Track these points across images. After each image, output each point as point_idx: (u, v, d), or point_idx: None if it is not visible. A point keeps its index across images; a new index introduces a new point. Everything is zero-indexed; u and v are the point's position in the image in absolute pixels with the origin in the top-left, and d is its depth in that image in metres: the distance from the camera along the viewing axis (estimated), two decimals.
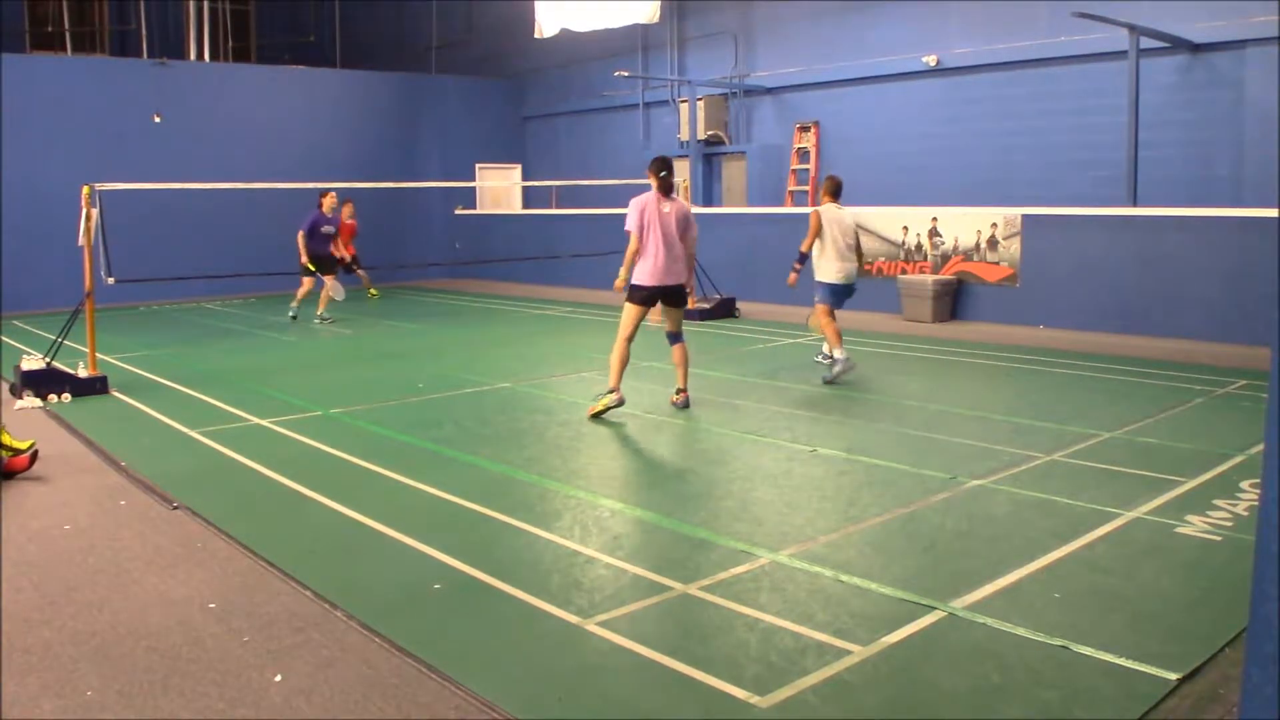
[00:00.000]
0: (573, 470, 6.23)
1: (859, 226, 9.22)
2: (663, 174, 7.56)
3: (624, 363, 7.63)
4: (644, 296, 7.63)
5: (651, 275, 7.56)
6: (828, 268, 8.87)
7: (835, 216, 8.85)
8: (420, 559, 4.63)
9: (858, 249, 9.02)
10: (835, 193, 9.00)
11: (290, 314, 14.16)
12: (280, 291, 17.50)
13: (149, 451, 6.76)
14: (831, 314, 8.89)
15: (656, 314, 8.02)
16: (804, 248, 8.95)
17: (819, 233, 8.80)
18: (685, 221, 7.65)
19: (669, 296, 7.69)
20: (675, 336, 7.83)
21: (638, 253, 7.57)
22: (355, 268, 15.56)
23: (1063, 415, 7.31)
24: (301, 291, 13.89)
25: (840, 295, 8.97)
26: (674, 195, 7.74)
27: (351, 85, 20.08)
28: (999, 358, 9.98)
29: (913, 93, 14.94)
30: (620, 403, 7.56)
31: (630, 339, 7.63)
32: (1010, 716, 3.19)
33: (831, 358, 8.84)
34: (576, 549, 4.75)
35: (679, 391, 7.83)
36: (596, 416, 7.50)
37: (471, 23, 21.69)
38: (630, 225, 7.53)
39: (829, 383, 8.72)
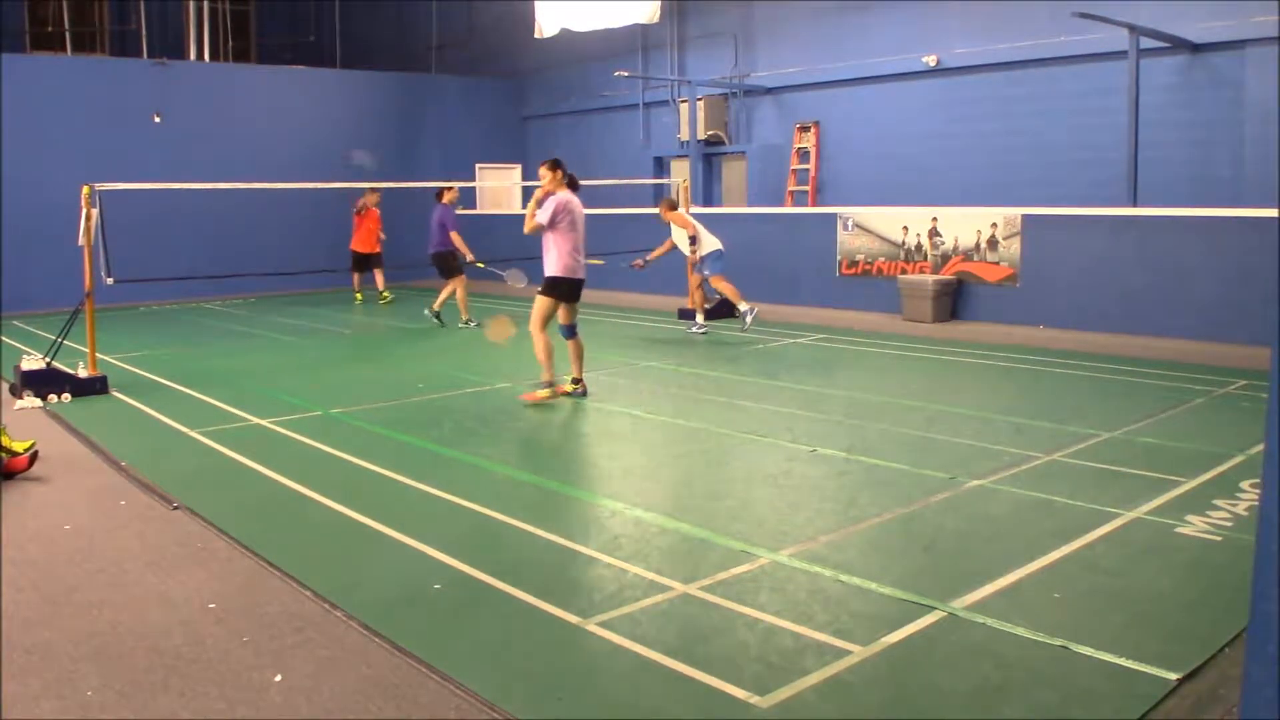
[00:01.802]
0: (573, 470, 6.23)
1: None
2: (569, 174, 7.92)
3: (550, 352, 7.91)
4: (563, 290, 7.88)
5: (570, 269, 7.85)
6: (713, 241, 11.87)
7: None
8: (420, 559, 4.63)
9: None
10: (676, 208, 12.28)
11: (466, 324, 12.77)
12: (279, 291, 17.53)
13: (149, 451, 6.76)
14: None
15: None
16: (699, 248, 11.93)
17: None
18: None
19: (576, 291, 7.99)
20: (572, 330, 8.09)
21: (556, 252, 7.78)
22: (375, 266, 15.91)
23: (1063, 415, 7.31)
24: (461, 294, 12.90)
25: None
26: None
27: (351, 85, 20.06)
28: (999, 358, 9.97)
29: (913, 93, 14.93)
30: (555, 395, 7.90)
31: (545, 328, 7.90)
32: (1010, 716, 3.19)
33: (742, 312, 11.62)
34: (576, 549, 4.75)
35: (576, 381, 8.10)
36: (538, 404, 7.88)
37: (471, 23, 21.67)
38: (544, 217, 7.72)
39: (744, 331, 11.64)
